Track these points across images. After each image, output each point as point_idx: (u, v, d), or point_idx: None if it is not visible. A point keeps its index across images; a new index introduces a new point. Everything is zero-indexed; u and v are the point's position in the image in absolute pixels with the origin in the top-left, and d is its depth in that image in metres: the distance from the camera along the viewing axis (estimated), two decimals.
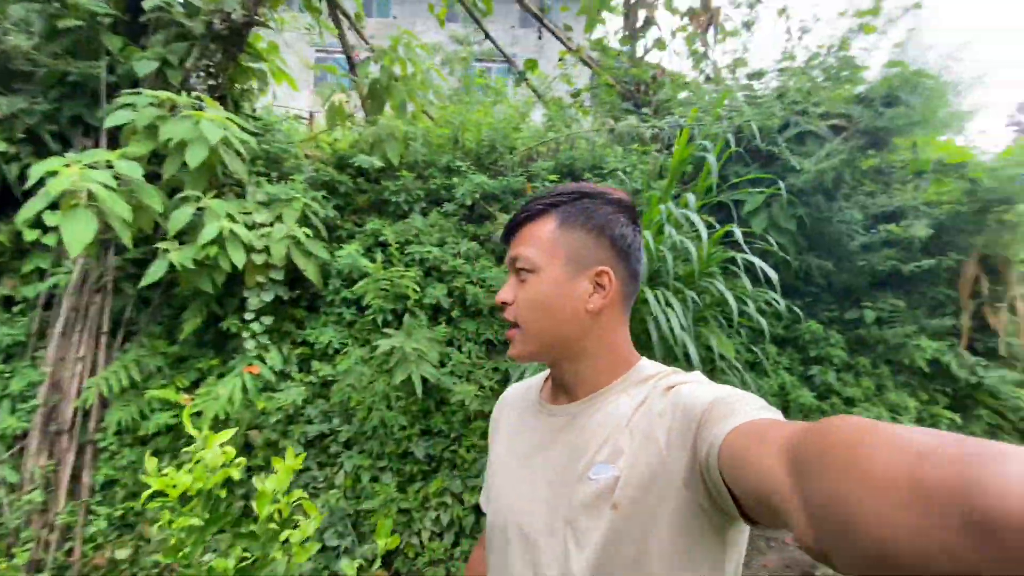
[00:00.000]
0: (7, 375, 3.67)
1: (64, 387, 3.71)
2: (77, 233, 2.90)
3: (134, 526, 3.46)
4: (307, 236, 3.75)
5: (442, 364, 3.71)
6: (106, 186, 3.06)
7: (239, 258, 3.45)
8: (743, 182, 3.87)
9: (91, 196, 3.03)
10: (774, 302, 2.98)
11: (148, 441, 3.72)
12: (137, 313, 4.11)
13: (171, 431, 3.75)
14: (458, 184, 4.37)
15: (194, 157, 3.35)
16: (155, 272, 3.40)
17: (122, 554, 3.24)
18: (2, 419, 3.47)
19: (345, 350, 3.88)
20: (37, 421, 3.55)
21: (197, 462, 1.60)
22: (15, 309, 3.90)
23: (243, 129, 3.70)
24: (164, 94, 3.48)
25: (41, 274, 3.98)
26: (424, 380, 3.42)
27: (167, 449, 3.62)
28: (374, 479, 3.61)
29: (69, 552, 3.37)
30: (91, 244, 3.03)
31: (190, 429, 1.69)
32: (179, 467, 1.54)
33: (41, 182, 3.07)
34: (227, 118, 3.55)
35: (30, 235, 3.75)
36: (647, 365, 0.86)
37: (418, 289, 3.86)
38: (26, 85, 3.97)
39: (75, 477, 3.54)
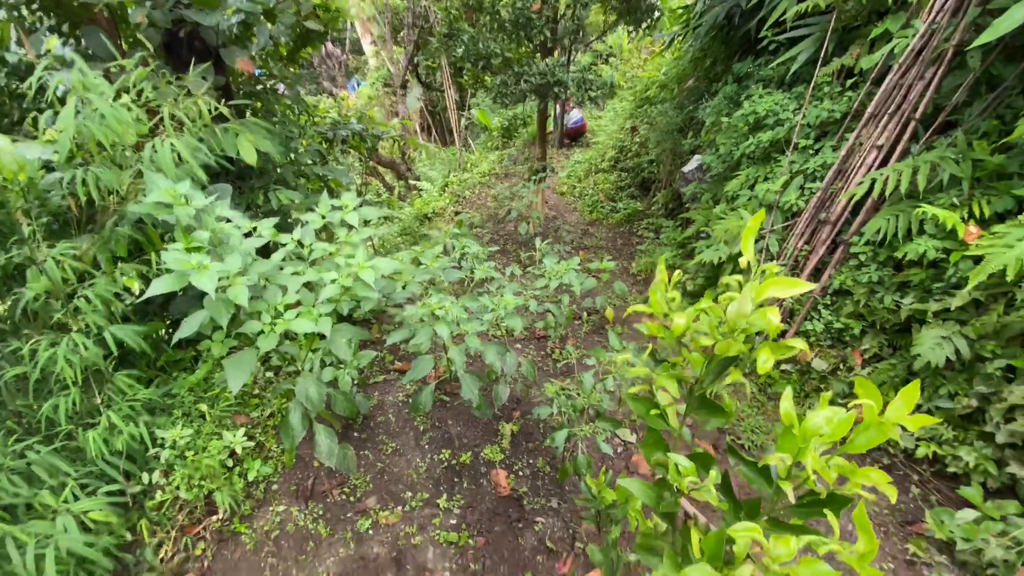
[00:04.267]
0: (812, 152, 3.76)
1: (848, 175, 3.43)
2: None
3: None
4: None
5: None
6: None
7: None
8: None
9: None
10: None
11: (903, 268, 3.06)
12: (970, 99, 3.00)
13: (933, 266, 2.87)
14: None
15: None
16: (1006, 24, 2.15)
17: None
18: (789, 194, 3.69)
19: None
20: (812, 204, 3.56)
21: None
22: (848, 83, 3.71)
23: None
24: None
25: (889, 39, 3.47)
26: None
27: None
28: None
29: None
30: None
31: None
32: None
33: None
34: None
35: None
36: None
37: None
38: None
39: (818, 271, 3.47)
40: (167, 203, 1.70)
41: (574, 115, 9.21)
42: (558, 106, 8.57)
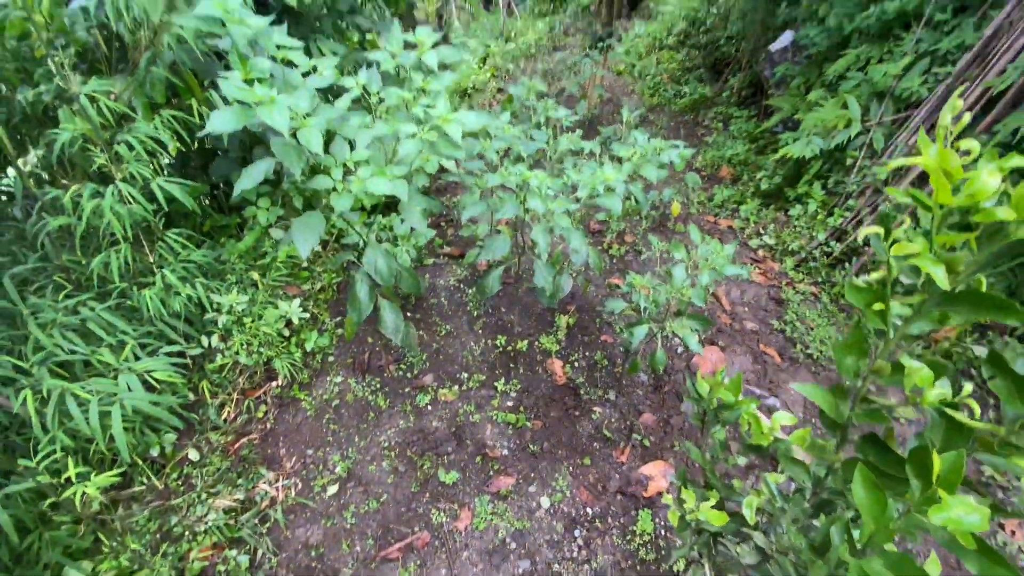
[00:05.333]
0: (948, 28, 3.12)
1: (989, 61, 2.85)
2: None
3: None
4: None
5: None
6: None
7: None
8: None
9: None
10: None
11: None
12: None
13: None
14: None
15: None
16: None
17: None
18: (910, 79, 3.13)
19: None
20: (937, 93, 3.02)
21: None
22: None
23: None
24: None
25: None
26: None
27: None
28: None
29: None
30: None
31: None
32: None
33: None
34: None
35: None
36: None
37: None
38: None
39: (923, 178, 3.04)
40: (218, 19, 1.38)
41: None
42: None
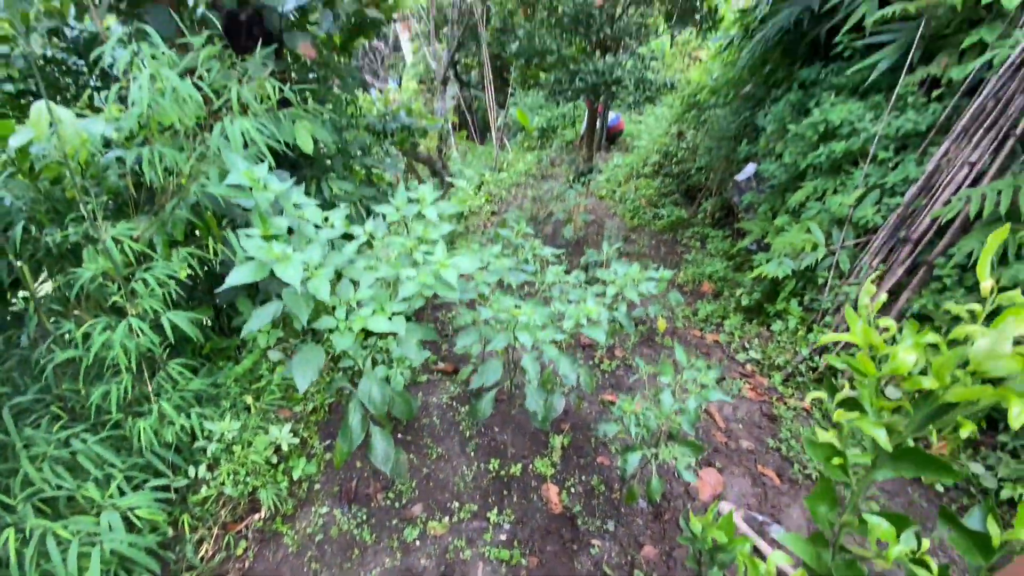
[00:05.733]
0: (891, 165, 3.53)
1: (934, 192, 3.20)
2: None
3: None
4: None
5: None
6: None
7: None
8: None
9: None
10: None
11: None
12: None
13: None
14: None
15: None
16: None
17: None
18: (864, 209, 3.47)
19: None
20: (890, 221, 3.34)
21: None
22: (934, 94, 3.47)
23: None
24: None
25: (983, 50, 3.24)
26: None
27: None
28: None
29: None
30: None
31: None
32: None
33: None
34: None
35: None
36: None
37: None
38: None
39: (893, 294, 3.24)
40: (245, 186, 1.59)
41: (610, 115, 9.05)
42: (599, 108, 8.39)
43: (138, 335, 2.00)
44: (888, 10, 3.48)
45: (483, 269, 2.24)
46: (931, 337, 0.73)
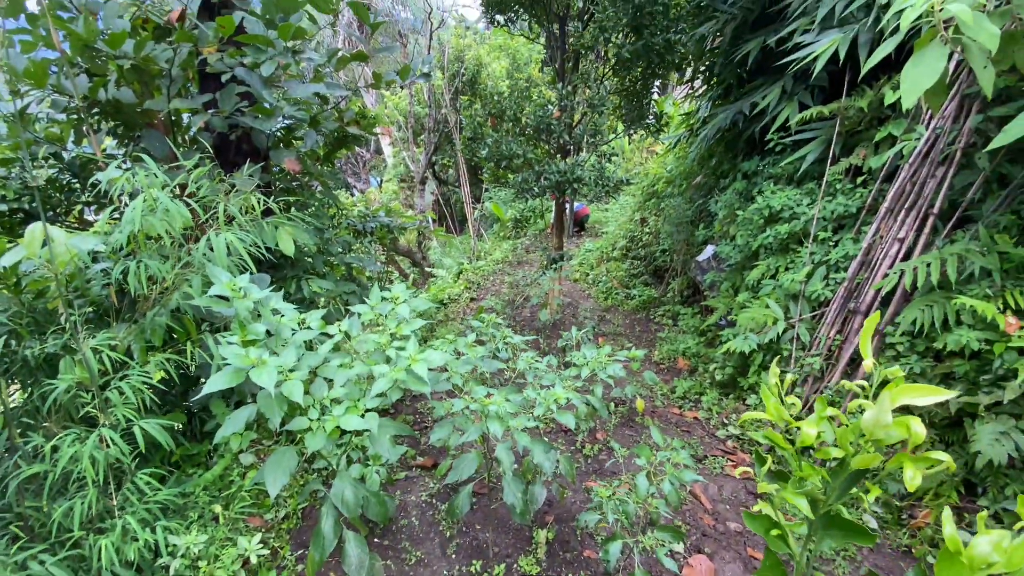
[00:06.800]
0: (831, 243, 3.84)
1: (873, 266, 3.47)
2: (916, 78, 2.23)
3: None
4: None
5: None
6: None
7: None
8: None
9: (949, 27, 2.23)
10: None
11: (943, 359, 2.99)
12: (983, 196, 3.12)
13: (976, 357, 2.81)
14: None
15: None
16: (1016, 129, 2.28)
17: None
18: (814, 284, 3.72)
19: None
20: (839, 294, 3.57)
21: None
22: (859, 180, 3.88)
23: None
24: None
25: (893, 142, 3.70)
26: None
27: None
28: None
29: None
30: (934, 94, 2.30)
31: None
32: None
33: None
34: None
35: (890, 97, 3.48)
36: None
37: None
38: None
39: (854, 361, 3.38)
40: (226, 296, 1.69)
41: (576, 204, 9.71)
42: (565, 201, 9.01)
43: (108, 445, 1.97)
44: (806, 113, 3.99)
45: (457, 359, 2.31)
46: (831, 411, 0.83)
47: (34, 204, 3.42)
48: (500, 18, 5.33)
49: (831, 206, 3.81)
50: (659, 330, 5.61)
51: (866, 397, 0.84)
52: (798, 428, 0.83)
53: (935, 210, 3.22)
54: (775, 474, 0.86)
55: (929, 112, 3.50)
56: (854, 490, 0.84)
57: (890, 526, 2.85)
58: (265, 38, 2.96)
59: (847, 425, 0.82)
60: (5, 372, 2.46)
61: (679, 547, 2.72)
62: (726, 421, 3.87)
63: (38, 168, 3.52)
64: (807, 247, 3.89)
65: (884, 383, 0.90)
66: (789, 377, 0.94)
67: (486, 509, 3.02)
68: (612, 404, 4.12)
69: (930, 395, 0.78)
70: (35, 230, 1.96)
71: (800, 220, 3.94)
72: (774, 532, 0.89)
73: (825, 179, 3.91)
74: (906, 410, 3.05)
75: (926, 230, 3.25)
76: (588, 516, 2.17)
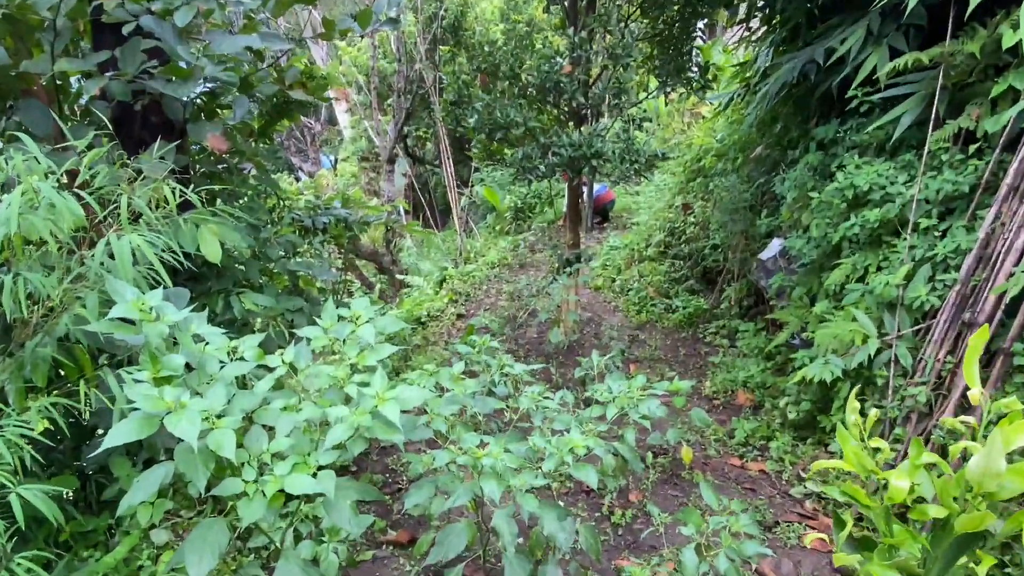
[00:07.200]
0: (937, 234, 3.87)
1: (994, 264, 3.50)
2: None
3: None
4: None
5: None
6: None
7: None
8: None
9: None
10: None
11: None
12: None
13: None
14: None
15: None
16: None
17: None
18: (916, 288, 3.75)
19: None
20: (950, 301, 3.60)
21: None
22: (971, 149, 3.92)
23: None
24: None
25: (1016, 98, 3.74)
26: None
27: None
28: None
29: None
30: None
31: None
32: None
33: None
34: None
35: (1010, 38, 3.53)
36: None
37: None
38: None
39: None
40: (132, 319, 1.72)
41: (596, 186, 9.77)
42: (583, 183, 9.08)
43: None
44: (900, 61, 4.04)
45: (439, 396, 2.34)
46: (928, 457, 0.85)
47: None
48: None
49: (935, 184, 3.85)
50: (711, 353, 5.64)
51: (974, 438, 0.86)
52: (886, 481, 0.85)
53: None
54: (858, 541, 0.88)
55: None
56: (963, 560, 0.85)
57: None
58: None
59: (950, 475, 0.84)
60: None
61: None
62: (803, 475, 3.88)
63: None
64: (905, 239, 3.92)
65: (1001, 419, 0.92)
66: (874, 413, 0.96)
67: None
68: (649, 454, 4.13)
69: None
70: None
71: (895, 203, 3.97)
72: None
73: (927, 148, 3.95)
74: None
75: None
76: None
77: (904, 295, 3.80)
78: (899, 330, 3.77)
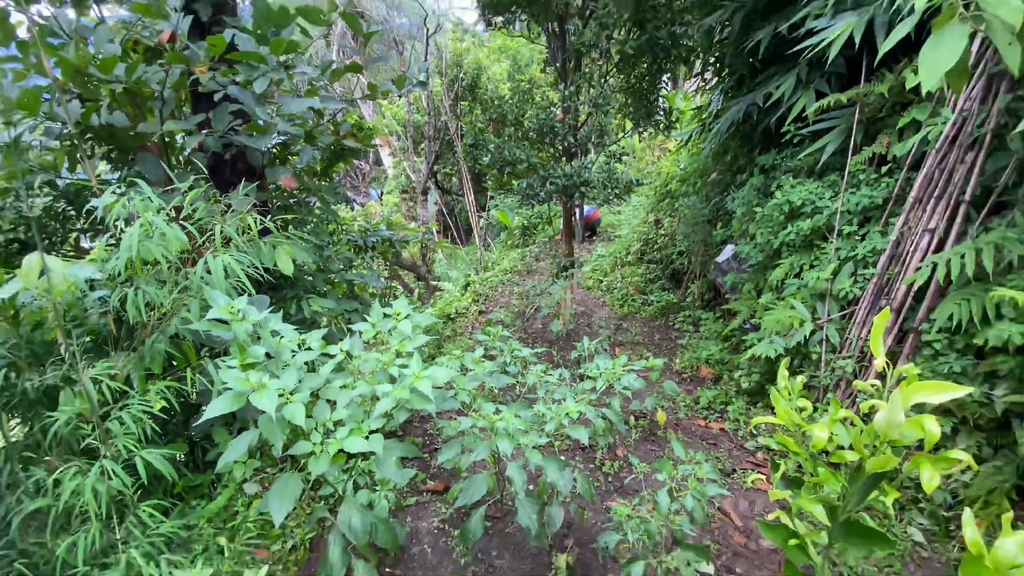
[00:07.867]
0: (858, 238, 3.82)
1: (903, 260, 3.45)
2: (936, 60, 2.24)
3: None
4: None
5: None
6: None
7: None
8: None
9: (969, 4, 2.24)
10: None
11: (984, 356, 2.95)
12: (1019, 180, 3.10)
13: (1021, 352, 2.77)
14: None
15: None
16: None
17: None
18: (841, 282, 3.70)
19: None
20: (869, 291, 3.55)
21: None
22: (883, 170, 3.87)
23: None
24: None
25: (918, 128, 3.68)
26: None
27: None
28: None
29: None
30: (956, 75, 2.30)
31: None
32: None
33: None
34: None
35: (912, 80, 3.48)
36: None
37: None
38: None
39: (889, 362, 3.35)
40: (224, 319, 1.76)
41: (585, 208, 9.77)
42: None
43: (110, 478, 2.03)
44: (824, 101, 4.00)
45: (463, 375, 2.35)
46: (843, 412, 0.84)
47: (30, 234, 3.55)
48: (497, 19, 5.45)
49: (855, 198, 3.80)
50: (680, 337, 5.60)
51: (881, 397, 0.86)
52: (811, 432, 0.85)
53: (967, 197, 3.20)
54: (790, 480, 0.87)
55: (954, 95, 3.49)
56: (874, 494, 0.85)
57: (938, 538, 2.80)
58: (257, 54, 3.07)
59: (862, 428, 0.83)
60: (5, 406, 2.55)
61: (708, 567, 2.70)
62: (755, 432, 3.84)
63: (33, 197, 3.66)
64: (832, 242, 3.87)
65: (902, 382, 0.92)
66: (800, 379, 0.96)
67: (502, 534, 3.02)
68: (632, 418, 4.11)
69: (944, 392, 0.79)
70: (32, 260, 2.05)
71: (823, 214, 3.93)
72: (792, 542, 0.91)
73: (847, 170, 3.90)
74: (947, 412, 3.01)
75: (958, 219, 3.22)
76: (608, 537, 2.17)
77: (832, 287, 3.75)
78: (829, 315, 3.73)
